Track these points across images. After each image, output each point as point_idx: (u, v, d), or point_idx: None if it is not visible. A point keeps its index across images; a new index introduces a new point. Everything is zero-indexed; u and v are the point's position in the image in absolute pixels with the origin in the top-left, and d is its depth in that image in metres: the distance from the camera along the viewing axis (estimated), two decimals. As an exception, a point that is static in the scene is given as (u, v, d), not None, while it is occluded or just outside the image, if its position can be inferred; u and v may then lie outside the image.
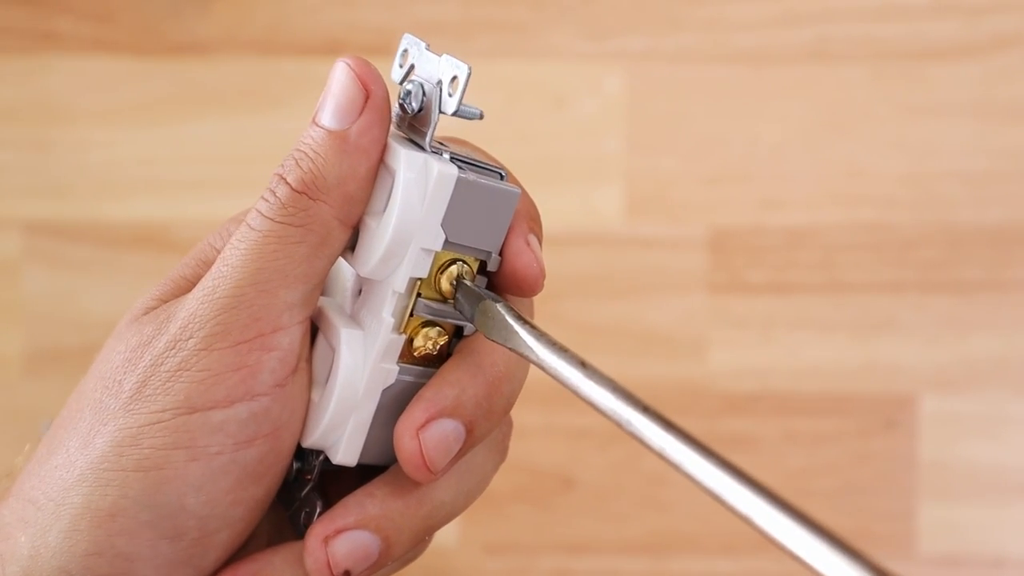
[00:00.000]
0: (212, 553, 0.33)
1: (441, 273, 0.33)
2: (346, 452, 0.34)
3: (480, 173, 0.33)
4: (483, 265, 0.34)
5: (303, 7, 0.84)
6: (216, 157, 0.84)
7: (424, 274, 0.33)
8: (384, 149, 0.33)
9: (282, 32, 0.84)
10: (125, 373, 0.32)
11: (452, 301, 0.33)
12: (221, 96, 0.84)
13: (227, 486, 0.32)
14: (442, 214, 0.32)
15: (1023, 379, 0.81)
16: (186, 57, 0.84)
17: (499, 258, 0.34)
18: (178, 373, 0.32)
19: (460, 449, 0.33)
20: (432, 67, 0.33)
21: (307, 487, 0.35)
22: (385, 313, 0.33)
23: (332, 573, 0.33)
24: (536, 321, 0.32)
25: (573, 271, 0.83)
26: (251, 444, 0.32)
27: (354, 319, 0.34)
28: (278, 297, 0.32)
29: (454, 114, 0.33)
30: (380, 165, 0.33)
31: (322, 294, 0.34)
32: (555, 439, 0.82)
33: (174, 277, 0.35)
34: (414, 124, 0.33)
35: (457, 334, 0.34)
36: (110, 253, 0.84)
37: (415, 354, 0.34)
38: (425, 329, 0.34)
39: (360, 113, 0.32)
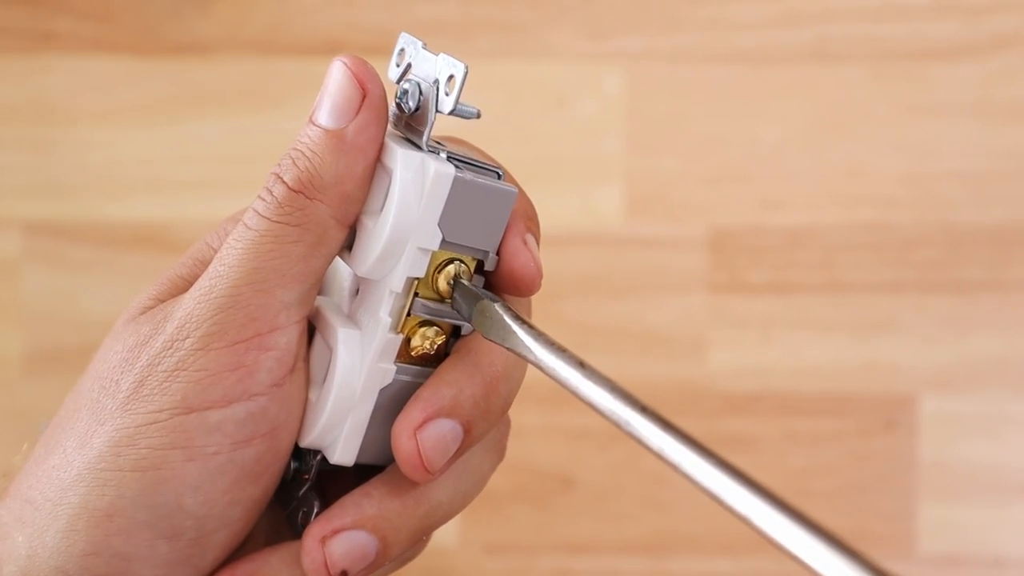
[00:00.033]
0: (210, 553, 0.33)
1: (438, 273, 0.33)
2: (343, 452, 0.34)
3: (477, 172, 0.33)
4: (480, 264, 0.34)
5: (303, 7, 0.84)
6: (216, 157, 0.84)
7: (421, 273, 0.33)
8: (381, 148, 0.33)
9: (282, 32, 0.84)
10: (122, 373, 0.32)
11: (449, 301, 0.33)
12: (221, 96, 0.84)
13: (225, 486, 0.32)
14: (439, 213, 0.32)
15: (1023, 379, 0.81)
16: (186, 57, 0.84)
17: (496, 257, 0.34)
18: (175, 373, 0.31)
19: (458, 449, 0.33)
20: (429, 66, 0.33)
21: (305, 487, 0.35)
22: (382, 313, 0.33)
23: (329, 573, 0.33)
24: (535, 321, 0.32)
25: (573, 271, 0.82)
26: (248, 444, 0.32)
27: (351, 319, 0.34)
28: (275, 297, 0.32)
29: (451, 113, 0.32)
30: (377, 164, 0.33)
31: (319, 294, 0.34)
32: (555, 439, 0.82)
33: (171, 276, 0.35)
34: (411, 123, 0.33)
35: (455, 334, 0.34)
36: (110, 253, 0.84)
37: (412, 354, 0.34)
38: (423, 329, 0.33)
39: (357, 112, 0.32)
